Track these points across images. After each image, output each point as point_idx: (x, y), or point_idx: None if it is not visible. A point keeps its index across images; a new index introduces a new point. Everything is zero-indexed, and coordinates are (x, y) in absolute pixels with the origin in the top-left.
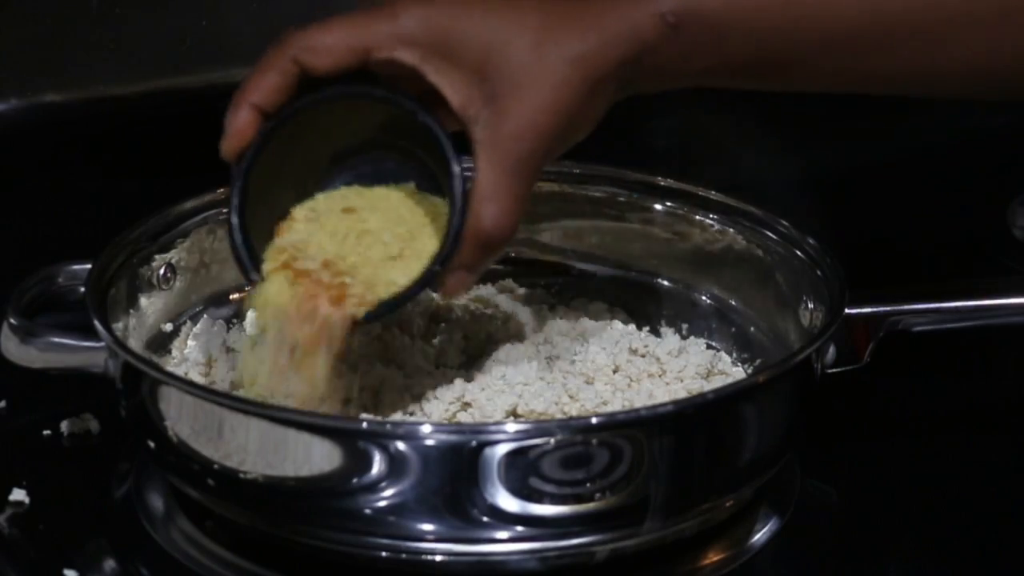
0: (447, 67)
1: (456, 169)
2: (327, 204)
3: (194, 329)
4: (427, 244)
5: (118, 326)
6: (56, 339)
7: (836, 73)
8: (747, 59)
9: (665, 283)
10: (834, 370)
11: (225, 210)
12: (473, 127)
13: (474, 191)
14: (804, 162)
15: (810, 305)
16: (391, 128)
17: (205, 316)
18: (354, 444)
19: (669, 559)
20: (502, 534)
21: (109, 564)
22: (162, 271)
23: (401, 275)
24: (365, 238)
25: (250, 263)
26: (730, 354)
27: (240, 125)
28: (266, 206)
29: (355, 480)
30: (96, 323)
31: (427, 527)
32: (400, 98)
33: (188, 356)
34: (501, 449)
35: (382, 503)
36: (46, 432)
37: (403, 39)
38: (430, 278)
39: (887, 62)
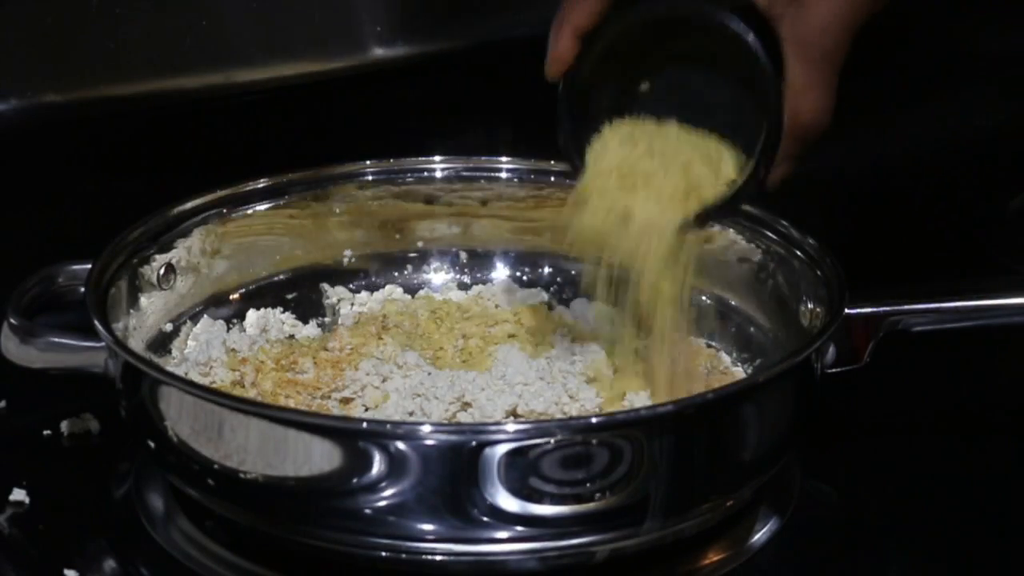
0: None
1: (768, 68)
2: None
3: (194, 329)
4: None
5: (118, 326)
6: (56, 339)
7: None
8: None
9: None
10: (834, 370)
11: (224, 210)
12: (780, 25)
13: (788, 86)
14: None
15: (810, 305)
16: (702, 42)
17: (205, 316)
18: (354, 444)
19: (669, 559)
20: (502, 534)
21: (109, 564)
22: (162, 271)
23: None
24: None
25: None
26: (730, 354)
27: (562, 49)
28: (581, 119)
29: (355, 480)
30: (96, 323)
31: (427, 527)
32: (708, 9)
33: (188, 356)
34: (501, 449)
35: (382, 503)
36: (46, 432)
37: None
38: (758, 173)
39: None
